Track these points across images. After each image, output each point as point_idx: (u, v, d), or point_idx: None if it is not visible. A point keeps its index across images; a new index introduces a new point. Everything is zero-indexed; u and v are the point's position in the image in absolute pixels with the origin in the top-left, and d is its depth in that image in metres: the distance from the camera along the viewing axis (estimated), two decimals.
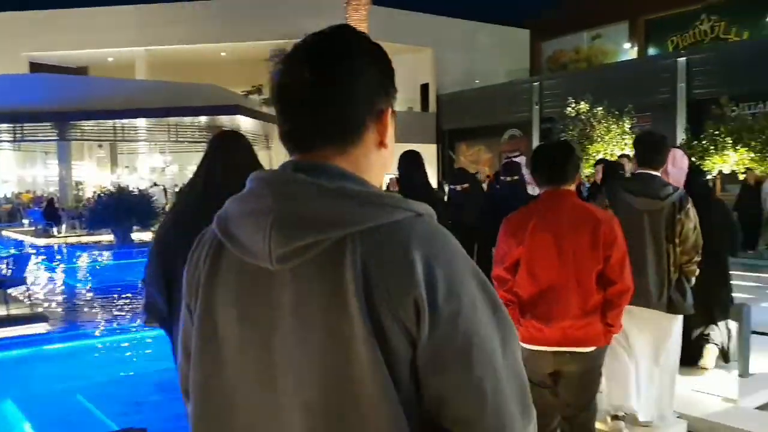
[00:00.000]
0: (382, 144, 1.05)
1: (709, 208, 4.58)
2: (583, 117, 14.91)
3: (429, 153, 28.98)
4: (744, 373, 4.84)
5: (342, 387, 0.94)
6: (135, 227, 17.21)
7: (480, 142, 31.02)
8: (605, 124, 14.79)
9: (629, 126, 14.21)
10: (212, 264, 1.05)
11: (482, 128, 29.75)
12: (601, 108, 15.43)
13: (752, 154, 14.63)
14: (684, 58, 26.17)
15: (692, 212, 3.67)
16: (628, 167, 7.88)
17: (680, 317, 3.83)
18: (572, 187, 3.00)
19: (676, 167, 4.72)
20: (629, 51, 32.44)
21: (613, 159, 13.76)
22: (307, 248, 0.94)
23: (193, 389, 1.07)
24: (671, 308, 3.69)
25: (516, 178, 6.52)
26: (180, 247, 2.43)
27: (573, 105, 16.32)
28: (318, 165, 0.99)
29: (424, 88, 34.74)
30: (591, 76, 27.23)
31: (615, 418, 3.77)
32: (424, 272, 0.92)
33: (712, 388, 4.65)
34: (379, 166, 1.06)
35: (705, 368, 5.05)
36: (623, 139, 13.99)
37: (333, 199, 0.95)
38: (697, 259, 3.73)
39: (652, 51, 31.70)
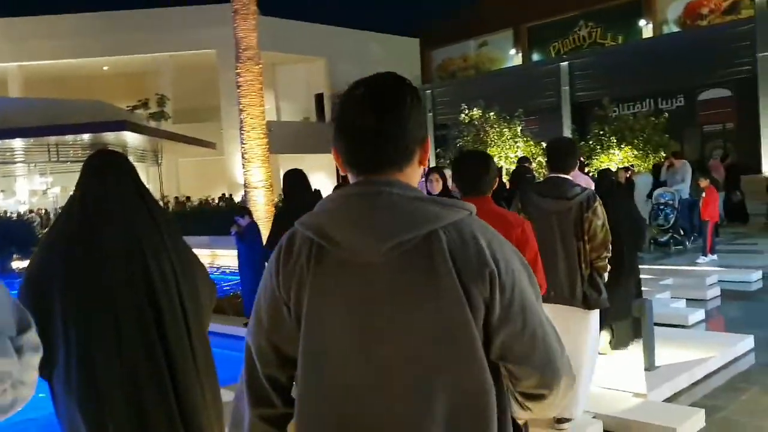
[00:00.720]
0: (422, 163, 1.39)
1: (612, 207, 4.67)
2: (476, 123, 15.27)
3: (326, 163, 28.79)
4: (650, 367, 4.95)
5: (441, 340, 1.25)
6: (15, 255, 15.97)
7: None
8: (498, 129, 15.18)
9: (520, 129, 14.62)
10: (317, 262, 1.32)
11: None
12: (493, 113, 15.83)
13: (635, 152, 15.38)
14: (566, 63, 27.45)
15: (600, 210, 3.82)
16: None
17: (596, 312, 3.95)
18: (489, 196, 3.21)
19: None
20: (514, 57, 33.50)
21: (508, 160, 14.21)
22: (405, 242, 1.25)
23: (304, 379, 1.34)
24: (586, 303, 3.83)
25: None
26: (55, 276, 2.15)
27: (466, 111, 16.64)
28: (390, 181, 1.32)
29: (319, 97, 34.54)
30: (480, 82, 28.02)
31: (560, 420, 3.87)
32: (491, 254, 1.28)
33: (621, 384, 4.71)
34: (418, 177, 1.40)
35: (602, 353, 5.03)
36: (515, 142, 14.39)
37: (421, 203, 1.29)
38: (606, 254, 3.87)
39: (536, 57, 32.90)
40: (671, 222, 12.04)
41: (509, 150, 13.93)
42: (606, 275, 3.94)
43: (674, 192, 12.25)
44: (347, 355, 1.31)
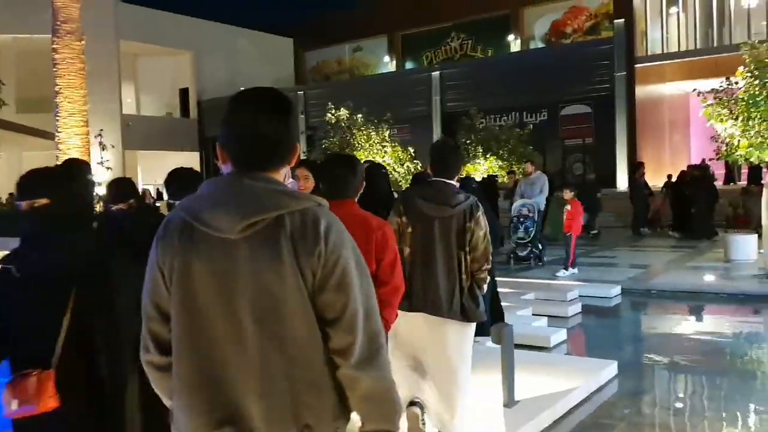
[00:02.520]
0: (290, 164, 1.71)
1: None
2: (343, 125, 14.56)
3: (191, 162, 27.15)
4: (509, 403, 4.41)
5: (280, 299, 1.57)
6: None
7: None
8: (365, 132, 14.58)
9: (388, 134, 14.13)
10: (186, 238, 1.61)
11: None
12: (360, 115, 15.23)
13: (500, 162, 15.34)
14: (437, 73, 27.61)
15: (483, 220, 3.70)
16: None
17: (473, 325, 3.78)
18: (355, 199, 3.20)
19: None
20: (389, 64, 33.38)
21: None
22: (256, 223, 1.56)
23: (177, 324, 1.62)
24: (464, 316, 3.66)
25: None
26: None
27: (333, 111, 15.95)
28: (258, 176, 1.62)
29: (184, 92, 32.72)
30: (353, 86, 27.53)
31: (411, 404, 3.74)
32: (324, 237, 1.59)
33: (478, 426, 4.11)
34: (285, 174, 1.72)
35: None
36: (383, 147, 13.88)
37: (276, 194, 1.60)
38: (487, 266, 3.75)
39: (409, 65, 32.92)
40: (531, 235, 11.69)
41: (377, 155, 13.38)
42: (485, 287, 3.79)
43: (534, 203, 11.84)
44: (210, 313, 1.59)
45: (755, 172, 16.73)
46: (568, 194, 10.51)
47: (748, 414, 4.85)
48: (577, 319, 7.95)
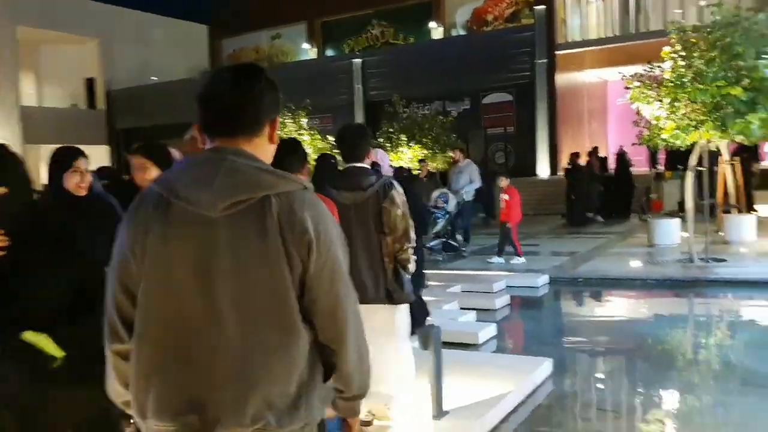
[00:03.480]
0: (272, 140, 1.66)
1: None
2: None
3: (98, 155, 25.58)
4: (439, 414, 3.87)
5: (262, 285, 1.50)
6: None
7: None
8: (281, 120, 13.75)
9: (306, 122, 13.38)
10: (162, 214, 1.52)
11: (162, 127, 27.09)
12: None
13: (425, 151, 14.90)
14: (359, 60, 27.04)
15: (398, 199, 3.60)
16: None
17: (404, 307, 3.73)
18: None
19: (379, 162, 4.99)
20: (309, 52, 32.56)
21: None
22: (240, 202, 1.49)
23: (147, 304, 1.53)
24: (390, 299, 3.63)
25: None
26: None
27: None
28: (236, 150, 1.56)
29: (90, 83, 30.87)
30: (273, 75, 26.45)
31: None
32: (312, 224, 1.53)
33: None
34: (269, 153, 1.66)
35: None
36: (300, 135, 13.14)
37: (260, 172, 1.54)
38: (409, 245, 3.63)
39: (329, 53, 32.22)
40: (439, 226, 11.07)
41: None
42: (412, 266, 3.69)
43: (447, 194, 11.30)
44: (187, 293, 1.50)
45: (673, 157, 16.90)
46: (504, 182, 10.15)
47: (690, 407, 4.50)
48: (506, 312, 7.55)
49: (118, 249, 1.58)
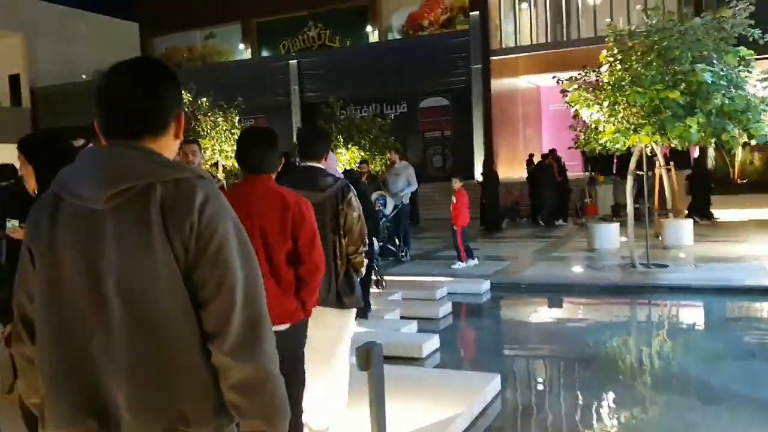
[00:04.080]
0: (177, 136, 1.57)
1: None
2: (186, 109, 13.01)
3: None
4: None
5: (148, 276, 1.40)
6: None
7: (90, 142, 27.15)
8: (212, 118, 13.18)
9: (238, 120, 12.83)
10: (53, 211, 1.47)
11: (89, 128, 25.85)
12: (205, 99, 13.77)
13: (363, 153, 14.58)
14: (295, 62, 26.61)
15: (355, 201, 3.61)
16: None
17: (352, 312, 3.71)
18: (273, 175, 3.12)
19: (327, 164, 4.84)
20: (244, 52, 31.85)
21: (223, 155, 12.39)
22: (124, 192, 1.41)
23: (41, 306, 1.47)
24: (340, 303, 3.58)
25: None
26: None
27: None
28: (137, 146, 1.47)
29: (14, 79, 29.36)
30: (206, 74, 25.63)
31: None
32: (198, 209, 1.42)
33: None
34: (173, 149, 1.57)
35: None
36: (233, 134, 12.58)
37: (145, 161, 1.44)
38: (364, 249, 3.66)
39: (265, 53, 31.61)
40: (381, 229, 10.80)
41: (224, 143, 12.08)
42: (363, 270, 3.73)
43: (385, 195, 11.03)
44: (74, 291, 1.43)
45: (605, 160, 17.11)
46: (456, 184, 9.91)
47: (643, 420, 4.31)
48: (449, 321, 7.28)
49: (22, 250, 1.54)
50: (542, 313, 8.05)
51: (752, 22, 8.03)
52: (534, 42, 25.82)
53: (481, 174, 17.52)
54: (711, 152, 21.46)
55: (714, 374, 5.18)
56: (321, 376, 3.57)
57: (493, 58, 24.35)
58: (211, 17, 31.64)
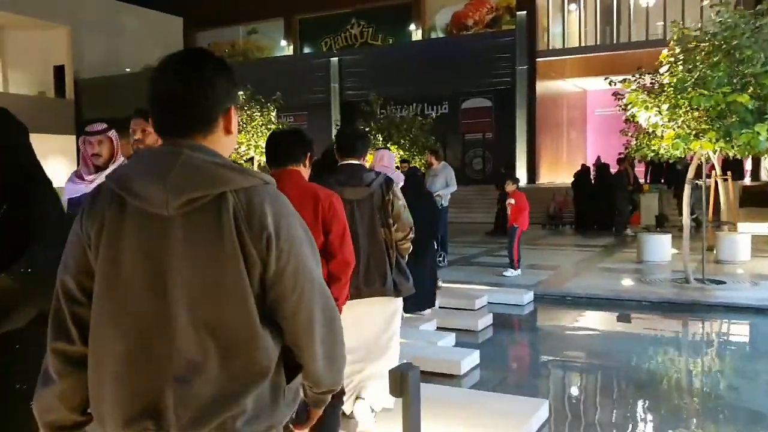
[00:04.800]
0: (228, 131, 1.53)
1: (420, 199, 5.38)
2: None
3: (66, 145, 24.50)
4: None
5: (218, 286, 1.40)
6: None
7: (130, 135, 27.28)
8: (248, 112, 12.84)
9: (274, 115, 12.47)
10: (117, 211, 1.44)
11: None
12: (242, 93, 13.45)
13: (402, 152, 14.14)
14: (336, 59, 26.36)
15: (398, 191, 3.79)
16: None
17: (400, 299, 3.89)
18: (300, 168, 3.11)
19: (384, 164, 5.36)
20: (285, 48, 31.74)
21: (258, 150, 12.05)
22: (196, 200, 1.39)
23: (102, 306, 1.44)
24: (397, 291, 3.76)
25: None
26: None
27: None
28: (193, 145, 1.45)
29: (59, 70, 29.69)
30: (248, 70, 25.51)
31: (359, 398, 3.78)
32: (273, 220, 1.43)
33: None
34: (226, 146, 1.54)
35: None
36: (269, 129, 12.22)
37: (217, 167, 1.42)
38: (412, 235, 3.86)
39: (307, 50, 31.45)
40: None
41: (260, 138, 11.73)
42: (406, 256, 3.92)
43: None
44: (139, 295, 1.41)
45: (656, 168, 16.36)
46: (510, 186, 9.57)
47: None
48: (489, 333, 6.78)
49: (73, 244, 1.49)
50: (590, 330, 7.47)
51: None
52: (582, 44, 25.11)
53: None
54: (766, 163, 20.53)
55: None
56: (380, 359, 3.75)
57: (539, 59, 23.75)
58: (254, 13, 31.69)
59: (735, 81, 7.47)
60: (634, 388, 5.16)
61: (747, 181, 20.11)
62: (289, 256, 1.43)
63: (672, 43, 8.50)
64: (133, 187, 1.42)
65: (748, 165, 20.73)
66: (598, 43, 24.96)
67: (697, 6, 22.87)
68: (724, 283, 8.59)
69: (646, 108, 8.12)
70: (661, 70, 8.63)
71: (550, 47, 24.86)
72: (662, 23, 23.87)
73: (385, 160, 6.07)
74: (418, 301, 6.26)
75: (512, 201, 9.44)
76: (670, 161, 12.53)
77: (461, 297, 7.78)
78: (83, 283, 1.47)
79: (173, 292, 1.40)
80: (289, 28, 32.03)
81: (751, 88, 7.43)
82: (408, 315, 6.77)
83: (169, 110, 1.46)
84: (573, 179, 17.61)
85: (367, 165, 4.23)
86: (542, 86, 23.87)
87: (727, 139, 7.59)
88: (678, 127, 7.93)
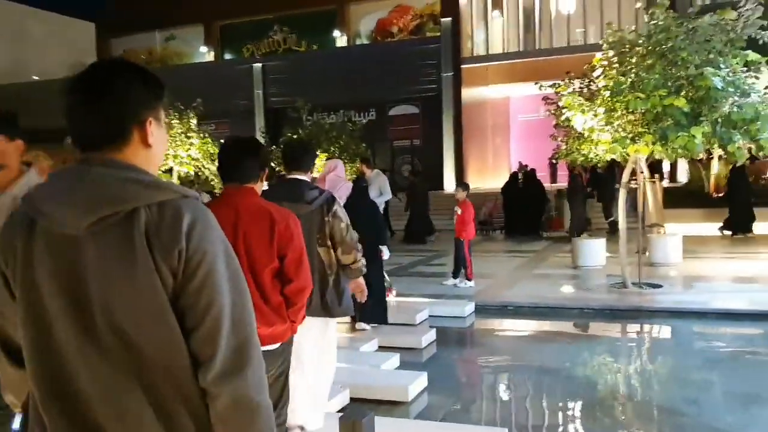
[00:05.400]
0: (146, 143, 1.45)
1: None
2: None
3: None
4: None
5: (136, 305, 1.34)
6: None
7: (38, 147, 25.59)
8: (168, 120, 12.05)
9: (195, 122, 11.80)
10: (28, 235, 1.38)
11: (42, 131, 24.39)
12: None
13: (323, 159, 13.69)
14: (259, 65, 25.70)
15: (341, 212, 3.73)
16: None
17: (335, 320, 3.88)
18: (257, 185, 3.00)
19: (338, 174, 5.36)
20: (206, 55, 30.77)
21: (177, 160, 11.39)
22: (106, 218, 1.34)
23: (24, 336, 1.40)
24: (329, 312, 3.72)
25: None
26: None
27: None
28: (105, 160, 1.40)
29: None
30: (166, 76, 24.29)
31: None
32: (186, 234, 1.36)
33: None
34: (148, 160, 1.46)
35: None
36: (188, 138, 11.56)
37: (125, 183, 1.36)
38: (360, 255, 3.83)
39: (228, 57, 30.60)
40: None
41: (179, 147, 11.07)
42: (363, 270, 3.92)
43: None
44: (57, 322, 1.36)
45: (611, 172, 16.45)
46: (460, 194, 9.11)
47: None
48: (433, 350, 6.40)
49: None
50: (537, 342, 7.16)
51: (765, 23, 7.38)
52: (505, 51, 25.35)
53: (408, 181, 17.37)
54: (685, 165, 21.16)
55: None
56: (312, 381, 3.72)
57: (464, 66, 23.82)
58: (172, 19, 30.57)
59: (669, 84, 7.41)
60: (596, 406, 4.88)
61: (666, 182, 20.67)
62: (198, 267, 1.36)
63: (606, 46, 8.42)
64: (44, 208, 1.37)
65: (666, 167, 21.32)
66: (521, 49, 25.27)
67: (615, 12, 23.52)
68: (661, 286, 8.55)
69: (583, 111, 7.98)
70: (594, 74, 8.55)
71: (474, 54, 25.00)
72: (582, 30, 24.41)
73: (339, 169, 5.98)
74: (370, 314, 6.41)
75: (458, 210, 9.07)
76: (598, 166, 12.60)
77: (402, 311, 7.38)
78: (3, 312, 1.44)
79: (94, 317, 1.35)
80: (209, 35, 31.09)
81: (684, 91, 7.38)
82: (350, 334, 6.37)
83: (80, 123, 1.42)
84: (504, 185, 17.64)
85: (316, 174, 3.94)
86: (467, 93, 23.97)
87: (663, 142, 7.52)
88: (615, 130, 7.82)
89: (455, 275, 9.20)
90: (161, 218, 1.35)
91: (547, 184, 21.45)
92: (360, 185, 6.69)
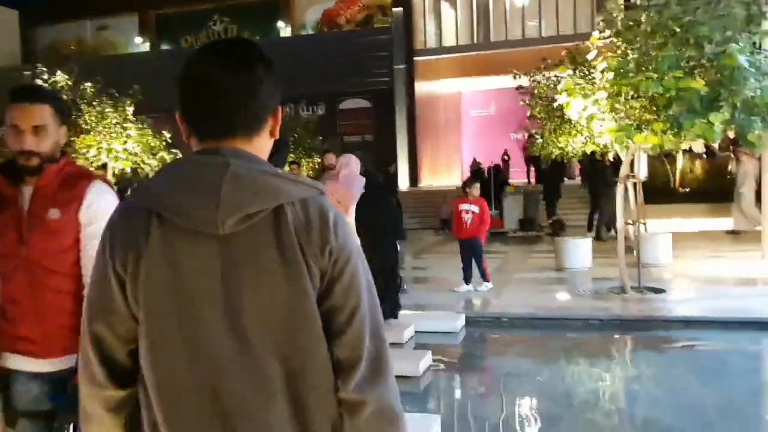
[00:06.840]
0: (273, 134, 1.34)
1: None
2: (65, 96, 10.29)
3: None
4: None
5: (289, 306, 1.21)
6: None
7: None
8: (98, 109, 10.60)
9: (131, 112, 10.46)
10: (160, 235, 1.22)
11: None
12: (90, 84, 11.17)
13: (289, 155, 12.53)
14: None
15: None
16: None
17: None
18: None
19: (351, 170, 5.28)
20: (141, 45, 29.03)
21: (111, 154, 10.07)
22: (251, 216, 1.20)
23: (148, 339, 1.23)
24: None
25: None
26: None
27: (46, 77, 11.72)
28: (237, 152, 1.24)
29: None
30: (99, 67, 22.63)
31: None
32: (335, 233, 1.25)
33: None
34: (267, 152, 1.35)
35: None
36: (125, 129, 10.20)
37: (269, 178, 1.23)
38: None
39: (165, 47, 28.93)
40: None
41: (115, 140, 9.72)
42: None
43: None
44: (207, 326, 1.22)
45: (558, 168, 15.74)
46: (476, 190, 8.26)
47: None
48: (429, 377, 5.36)
49: (99, 281, 1.27)
50: (549, 364, 5.86)
51: None
52: (458, 44, 24.60)
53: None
54: (644, 159, 20.82)
55: None
56: None
57: (417, 58, 22.97)
58: (105, 7, 28.70)
59: (683, 64, 6.58)
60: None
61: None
62: (345, 267, 1.25)
63: (601, 24, 7.56)
64: (178, 205, 1.21)
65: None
66: (474, 42, 24.57)
67: (570, 5, 23.02)
68: (664, 291, 7.74)
69: (585, 96, 7.06)
70: (589, 56, 7.68)
71: (427, 46, 24.17)
72: (536, 23, 23.84)
73: (352, 164, 5.49)
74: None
75: (475, 209, 8.10)
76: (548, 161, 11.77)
77: (386, 328, 6.30)
78: (113, 325, 1.27)
79: (244, 319, 1.21)
80: (144, 25, 29.37)
81: (702, 72, 6.56)
82: None
83: (212, 110, 1.26)
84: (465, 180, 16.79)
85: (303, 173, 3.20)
86: (420, 87, 23.16)
87: (676, 130, 6.68)
88: (620, 117, 6.94)
89: (467, 280, 8.20)
90: (307, 216, 1.24)
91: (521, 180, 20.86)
92: (374, 179, 6.19)
